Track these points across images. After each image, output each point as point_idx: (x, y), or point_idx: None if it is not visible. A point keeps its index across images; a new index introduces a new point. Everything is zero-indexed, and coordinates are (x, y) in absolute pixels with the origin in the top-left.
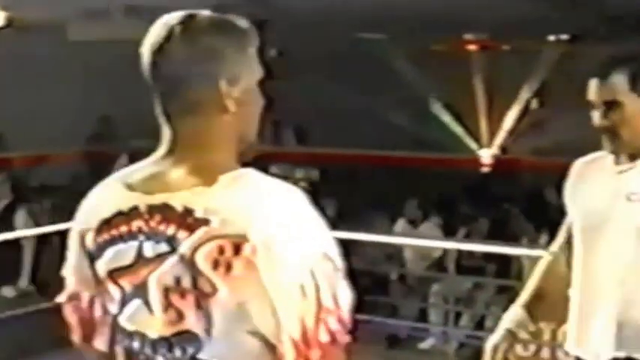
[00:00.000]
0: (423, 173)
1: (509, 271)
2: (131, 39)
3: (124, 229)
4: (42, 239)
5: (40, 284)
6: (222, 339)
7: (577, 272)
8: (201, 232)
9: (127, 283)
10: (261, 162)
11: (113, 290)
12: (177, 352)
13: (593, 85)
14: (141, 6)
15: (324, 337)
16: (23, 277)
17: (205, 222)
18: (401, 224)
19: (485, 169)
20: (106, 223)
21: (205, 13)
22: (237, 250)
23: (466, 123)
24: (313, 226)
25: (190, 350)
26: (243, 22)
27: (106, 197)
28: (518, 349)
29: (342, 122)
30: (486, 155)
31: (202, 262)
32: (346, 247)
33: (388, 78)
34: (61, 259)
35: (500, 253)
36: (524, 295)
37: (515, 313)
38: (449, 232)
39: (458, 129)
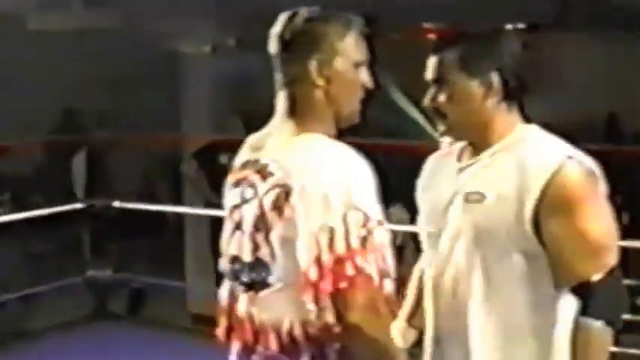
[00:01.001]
0: (386, 160)
1: None
2: (91, 29)
3: (238, 177)
4: None
5: None
6: (282, 267)
7: (426, 285)
8: (269, 182)
9: (236, 218)
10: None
11: (229, 223)
12: (253, 275)
13: (428, 64)
14: None
15: (350, 271)
16: None
17: (272, 174)
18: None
19: None
20: (233, 172)
21: (312, 8)
22: (287, 196)
23: (426, 111)
24: (353, 186)
25: (263, 274)
26: (347, 15)
27: (240, 153)
28: None
29: None
30: (446, 142)
31: (267, 204)
32: None
33: None
34: None
35: None
36: (404, 309)
37: (398, 327)
38: (412, 217)
39: (419, 117)
